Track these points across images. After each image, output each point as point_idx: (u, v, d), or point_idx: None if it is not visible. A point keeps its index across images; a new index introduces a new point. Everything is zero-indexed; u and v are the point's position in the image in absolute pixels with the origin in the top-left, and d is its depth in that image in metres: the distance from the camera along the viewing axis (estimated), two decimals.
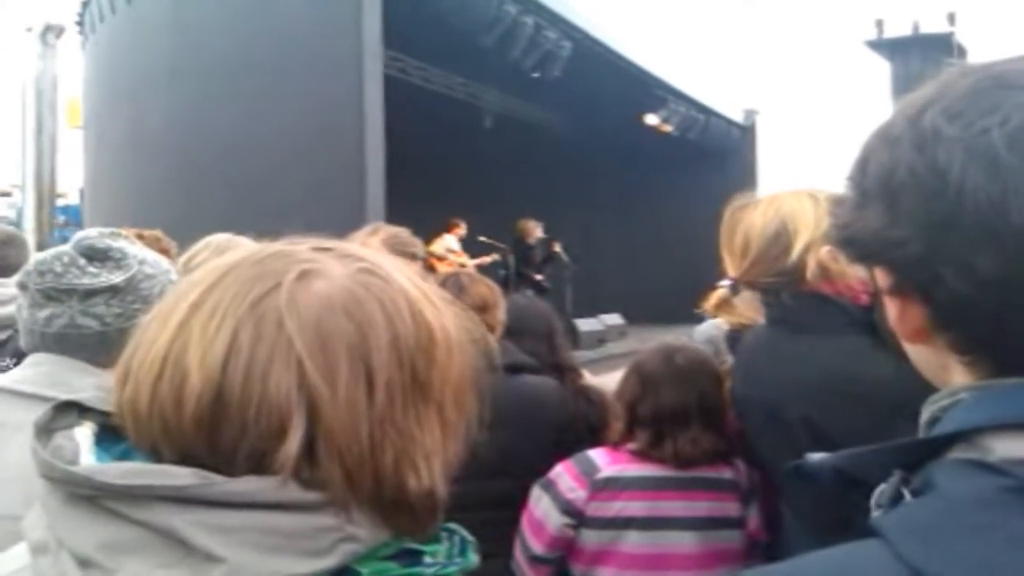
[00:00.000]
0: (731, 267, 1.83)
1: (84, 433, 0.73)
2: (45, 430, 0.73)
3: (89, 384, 1.47)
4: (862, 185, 0.70)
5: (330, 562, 0.66)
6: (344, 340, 0.70)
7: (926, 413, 0.71)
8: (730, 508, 2.17)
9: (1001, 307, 0.62)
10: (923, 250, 0.64)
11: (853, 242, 0.72)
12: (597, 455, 2.21)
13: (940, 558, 0.56)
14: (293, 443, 0.66)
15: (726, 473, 2.18)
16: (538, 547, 2.21)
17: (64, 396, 1.41)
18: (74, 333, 1.51)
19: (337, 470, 0.68)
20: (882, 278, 0.71)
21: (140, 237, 1.78)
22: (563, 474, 2.20)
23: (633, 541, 2.13)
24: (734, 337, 2.56)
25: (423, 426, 0.73)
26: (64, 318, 1.51)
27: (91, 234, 1.60)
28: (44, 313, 1.52)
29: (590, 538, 2.17)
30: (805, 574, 0.64)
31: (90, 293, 1.51)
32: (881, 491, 0.67)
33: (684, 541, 2.12)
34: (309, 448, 0.67)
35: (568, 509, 2.16)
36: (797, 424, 1.74)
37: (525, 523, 2.24)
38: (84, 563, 0.65)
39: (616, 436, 2.24)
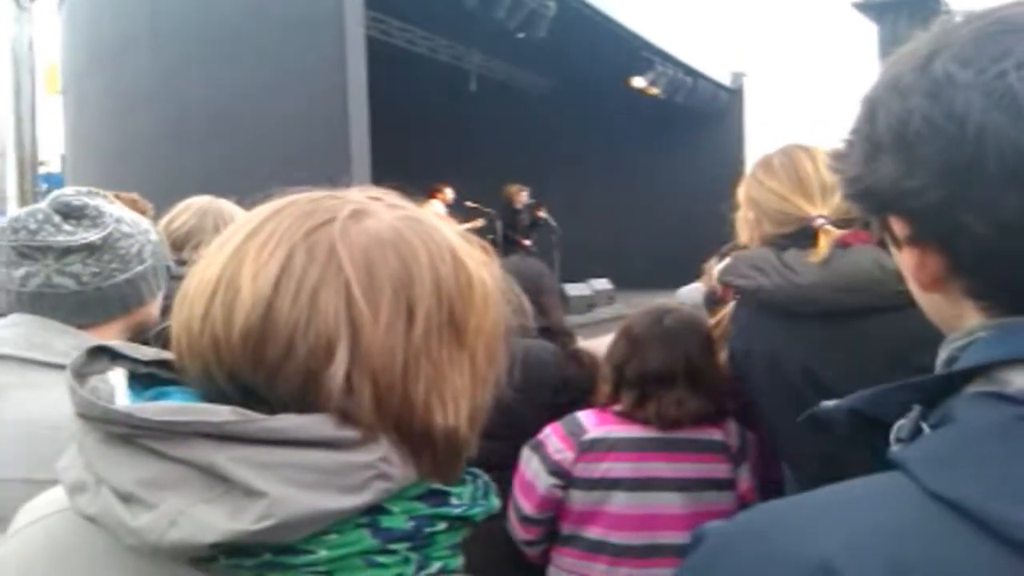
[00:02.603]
0: (815, 207, 1.79)
1: (118, 376, 0.75)
2: (79, 374, 0.74)
3: (68, 345, 1.44)
4: (872, 137, 0.70)
5: (364, 499, 0.68)
6: (389, 272, 0.73)
7: (944, 353, 0.72)
8: (718, 469, 2.17)
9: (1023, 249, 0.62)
10: (943, 197, 0.64)
11: (869, 194, 0.71)
12: (584, 416, 2.22)
13: (960, 483, 0.57)
14: (341, 364, 0.69)
15: (714, 435, 2.18)
16: (528, 507, 2.23)
17: (42, 357, 1.40)
18: (50, 292, 1.48)
19: (368, 394, 0.70)
20: (899, 228, 0.71)
21: (117, 198, 1.73)
22: (551, 435, 2.22)
23: (620, 502, 2.14)
24: (711, 299, 2.56)
25: (455, 367, 0.76)
26: (40, 277, 1.47)
27: (67, 192, 1.56)
28: (19, 272, 1.48)
29: (578, 498, 2.18)
30: (822, 504, 0.64)
31: (66, 251, 1.48)
32: (900, 426, 0.67)
33: (672, 502, 2.13)
34: (346, 373, 0.70)
35: (556, 470, 2.18)
36: (798, 376, 1.73)
37: (516, 484, 2.26)
38: (125, 498, 0.67)
39: (604, 398, 2.25)
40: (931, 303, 0.74)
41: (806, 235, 1.78)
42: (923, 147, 0.64)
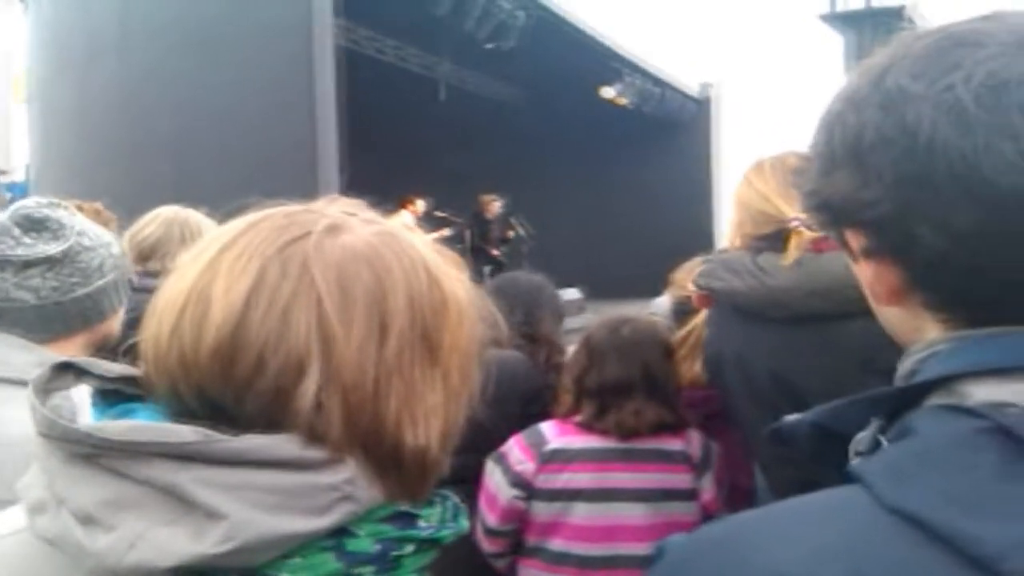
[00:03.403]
0: (793, 209, 1.79)
1: (81, 394, 0.74)
2: (42, 390, 0.73)
3: (26, 361, 1.42)
4: (828, 151, 0.70)
5: (329, 521, 0.67)
6: (363, 287, 0.72)
7: (905, 366, 0.71)
8: (680, 480, 2.17)
9: (978, 260, 0.62)
10: (896, 209, 0.64)
11: (825, 207, 0.72)
12: (546, 428, 2.23)
13: (917, 496, 0.57)
14: (311, 382, 0.68)
15: (675, 444, 2.19)
16: (492, 519, 2.22)
17: (1, 373, 1.38)
18: (8, 307, 1.45)
19: (338, 412, 0.69)
20: (855, 241, 0.71)
21: (80, 209, 1.71)
22: (513, 447, 2.22)
23: (582, 513, 2.14)
24: (680, 310, 2.55)
25: (427, 385, 0.75)
26: None
27: (28, 204, 1.54)
28: None
29: (540, 510, 2.18)
30: (782, 517, 0.64)
31: (25, 265, 1.46)
32: (859, 439, 0.67)
33: (634, 512, 2.13)
34: (317, 390, 0.69)
35: (518, 481, 2.18)
36: (767, 379, 1.74)
37: (481, 496, 2.25)
38: (85, 520, 0.65)
39: (566, 408, 2.26)
40: (890, 317, 0.74)
41: (781, 238, 1.79)
42: (876, 159, 0.65)
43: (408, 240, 0.79)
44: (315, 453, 0.68)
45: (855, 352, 1.59)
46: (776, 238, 1.81)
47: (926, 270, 0.66)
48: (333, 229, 0.75)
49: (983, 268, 0.62)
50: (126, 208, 2.72)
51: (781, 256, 1.76)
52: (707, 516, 2.16)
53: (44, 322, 1.48)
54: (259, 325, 0.69)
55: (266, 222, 0.75)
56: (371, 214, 0.81)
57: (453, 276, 0.80)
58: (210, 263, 0.73)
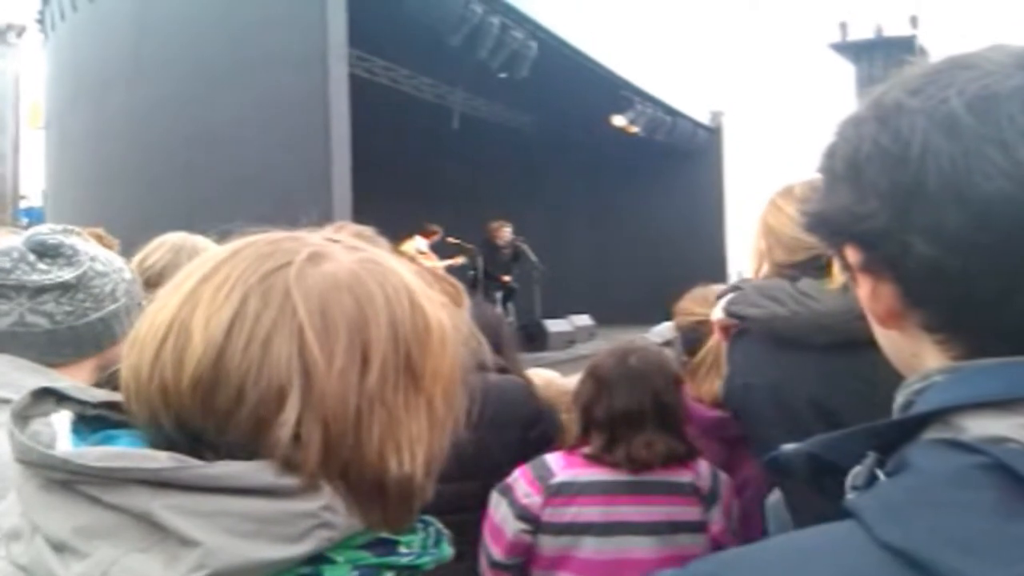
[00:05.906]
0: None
1: (61, 420, 0.73)
2: (22, 416, 0.73)
3: (39, 384, 1.43)
4: (832, 170, 0.71)
5: (305, 548, 0.66)
6: (345, 315, 0.72)
7: (901, 397, 0.71)
8: (690, 512, 2.15)
9: (969, 270, 0.62)
10: (890, 220, 0.65)
11: (824, 222, 0.72)
12: (553, 459, 2.20)
13: (913, 535, 0.56)
14: (291, 412, 0.68)
15: (684, 476, 2.16)
16: (498, 553, 2.19)
17: (12, 396, 1.39)
18: (22, 331, 1.47)
19: (317, 442, 0.68)
20: (853, 256, 0.71)
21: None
22: (519, 479, 2.18)
23: (590, 547, 2.11)
24: (690, 338, 2.51)
25: (411, 413, 0.74)
26: (12, 315, 1.47)
27: (42, 230, 1.56)
28: None
29: (547, 544, 2.15)
30: (775, 554, 0.63)
31: (40, 290, 1.47)
32: (856, 473, 0.66)
33: (642, 546, 2.10)
34: (296, 420, 0.68)
35: (524, 515, 2.14)
36: (804, 407, 1.71)
37: (486, 528, 2.22)
38: (59, 547, 0.65)
39: (572, 439, 2.23)
40: (890, 341, 0.74)
41: (814, 265, 1.76)
42: (871, 170, 0.66)
43: (391, 267, 0.78)
44: (290, 480, 0.67)
45: (894, 378, 1.58)
46: (809, 265, 1.78)
47: (920, 283, 0.66)
48: (315, 257, 0.74)
49: (974, 279, 0.62)
50: (138, 235, 2.73)
51: (823, 282, 1.74)
52: (716, 548, 2.12)
53: (57, 346, 1.50)
54: (240, 356, 0.68)
55: (248, 250, 0.75)
56: (355, 241, 0.80)
57: (436, 302, 0.80)
58: (191, 293, 0.72)
